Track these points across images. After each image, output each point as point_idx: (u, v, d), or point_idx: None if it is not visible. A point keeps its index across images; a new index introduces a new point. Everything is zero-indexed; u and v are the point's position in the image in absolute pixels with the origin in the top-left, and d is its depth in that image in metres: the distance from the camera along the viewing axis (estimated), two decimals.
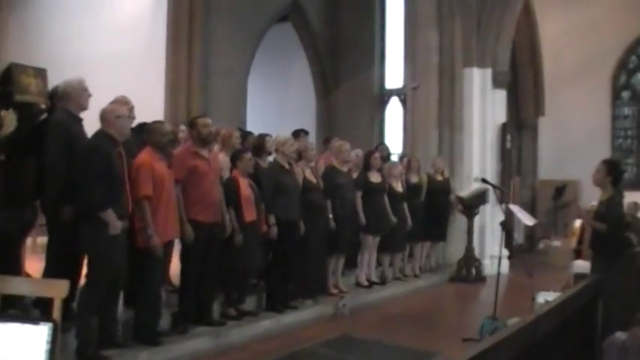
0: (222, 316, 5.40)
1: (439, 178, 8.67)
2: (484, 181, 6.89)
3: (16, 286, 3.01)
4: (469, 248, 8.73)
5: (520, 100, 13.28)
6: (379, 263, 7.77)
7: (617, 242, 4.83)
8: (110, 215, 3.96)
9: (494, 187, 6.69)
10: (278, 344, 5.22)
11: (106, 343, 4.21)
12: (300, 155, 6.34)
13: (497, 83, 9.53)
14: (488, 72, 9.44)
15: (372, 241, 7.28)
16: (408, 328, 6.02)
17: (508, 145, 9.90)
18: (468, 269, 8.69)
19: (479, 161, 9.35)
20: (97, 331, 4.16)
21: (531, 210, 11.49)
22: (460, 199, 8.68)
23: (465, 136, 9.37)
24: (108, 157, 3.99)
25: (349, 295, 6.71)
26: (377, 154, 7.52)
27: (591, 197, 6.48)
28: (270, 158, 6.22)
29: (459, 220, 9.01)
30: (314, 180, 6.34)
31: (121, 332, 4.49)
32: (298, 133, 7.16)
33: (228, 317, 5.39)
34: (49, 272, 4.11)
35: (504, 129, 9.76)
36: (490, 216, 9.08)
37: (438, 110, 9.44)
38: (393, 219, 7.38)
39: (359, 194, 7.04)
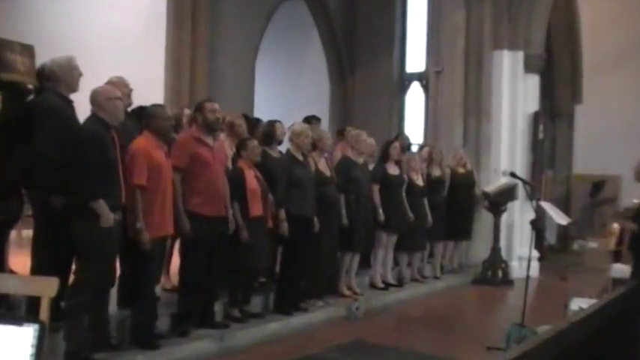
0: (225, 317, 5.41)
1: (461, 170, 8.65)
2: (513, 175, 6.82)
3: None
4: (495, 248, 8.69)
5: (555, 86, 13.14)
6: (396, 263, 7.76)
7: None
8: (102, 206, 3.94)
9: (523, 181, 6.62)
10: (286, 348, 5.22)
11: (100, 345, 4.21)
12: (314, 145, 6.33)
13: (529, 67, 9.43)
14: (520, 55, 9.34)
15: (387, 239, 7.27)
16: (426, 334, 6.01)
17: (540, 135, 9.80)
18: (494, 271, 8.66)
19: (507, 153, 9.29)
20: (89, 332, 4.16)
21: (565, 207, 11.37)
22: (486, 195, 8.65)
23: (492, 125, 9.32)
24: (100, 142, 3.97)
25: (363, 296, 6.71)
26: (396, 144, 7.49)
27: (634, 194, 6.39)
28: (281, 147, 6.20)
29: (484, 218, 8.97)
30: (327, 172, 6.32)
31: (116, 334, 4.51)
32: (310, 120, 7.14)
33: (233, 319, 5.40)
34: (37, 268, 4.10)
35: (536, 118, 9.66)
36: (519, 213, 9.03)
37: (464, 97, 9.39)
38: (410, 215, 7.36)
39: (376, 188, 7.03)
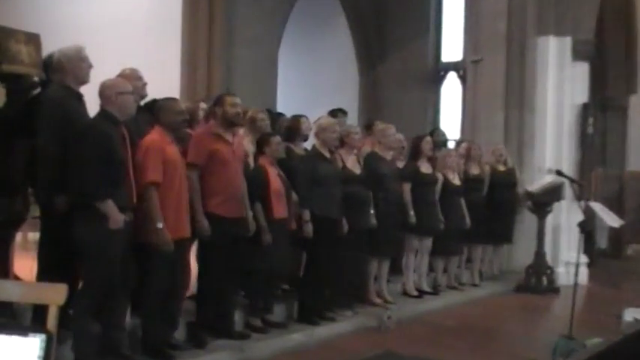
0: (246, 327, 5.42)
1: (501, 168, 8.60)
2: (559, 173, 6.75)
3: (3, 291, 3.03)
4: (540, 253, 8.61)
5: (606, 75, 12.95)
6: (431, 269, 7.75)
7: None
8: (110, 207, 3.97)
9: (571, 180, 6.56)
10: None
11: (110, 354, 4.25)
12: (342, 141, 6.33)
13: (578, 55, 9.30)
14: (568, 41, 9.21)
15: (417, 244, 7.25)
16: (463, 346, 5.96)
17: (590, 129, 9.67)
18: (538, 278, 8.58)
19: (553, 149, 9.20)
20: (100, 340, 4.20)
21: (618, 208, 11.20)
22: (529, 195, 8.57)
23: (536, 118, 9.22)
24: (107, 139, 4.00)
25: (395, 305, 6.71)
26: (428, 138, 7.48)
27: None
28: (306, 144, 6.19)
29: (527, 220, 8.89)
30: (357, 170, 6.33)
31: (128, 343, 4.54)
32: (335, 113, 7.15)
33: (253, 329, 5.41)
34: (43, 274, 4.15)
35: (585, 110, 9.54)
36: (566, 215, 8.93)
37: (505, 88, 9.31)
38: (441, 218, 7.33)
39: (408, 186, 7.04)
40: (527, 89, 9.26)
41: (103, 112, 4.14)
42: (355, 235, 6.14)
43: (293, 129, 6.09)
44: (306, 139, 6.19)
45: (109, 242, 4.01)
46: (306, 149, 6.21)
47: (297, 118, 6.17)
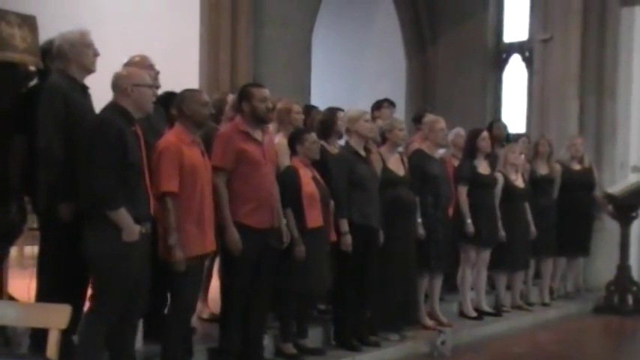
0: (277, 353, 5.46)
1: (576, 167, 8.52)
2: None
3: None
4: (623, 267, 8.55)
5: None
6: (492, 286, 7.74)
7: None
8: (124, 216, 3.98)
9: None
10: None
11: None
12: (383, 137, 6.33)
13: None
14: None
15: (475, 256, 7.24)
16: None
17: None
18: (622, 297, 8.52)
19: (639, 142, 9.04)
20: None
21: None
22: (610, 198, 8.51)
23: (619, 106, 9.20)
24: (121, 137, 4.01)
25: (451, 328, 6.70)
26: (484, 134, 7.45)
27: None
28: (342, 141, 6.21)
29: (608, 227, 8.86)
30: (401, 171, 6.33)
31: None
32: (381, 105, 7.16)
33: (286, 356, 5.44)
34: (43, 294, 4.19)
35: None
36: None
37: (580, 71, 9.28)
38: (502, 234, 7.31)
39: (463, 189, 7.06)
40: (607, 72, 9.22)
41: (114, 106, 4.14)
42: (403, 245, 6.15)
43: (328, 124, 6.06)
44: (341, 136, 6.19)
45: (123, 258, 4.02)
46: (342, 148, 6.20)
47: (333, 111, 6.16)
